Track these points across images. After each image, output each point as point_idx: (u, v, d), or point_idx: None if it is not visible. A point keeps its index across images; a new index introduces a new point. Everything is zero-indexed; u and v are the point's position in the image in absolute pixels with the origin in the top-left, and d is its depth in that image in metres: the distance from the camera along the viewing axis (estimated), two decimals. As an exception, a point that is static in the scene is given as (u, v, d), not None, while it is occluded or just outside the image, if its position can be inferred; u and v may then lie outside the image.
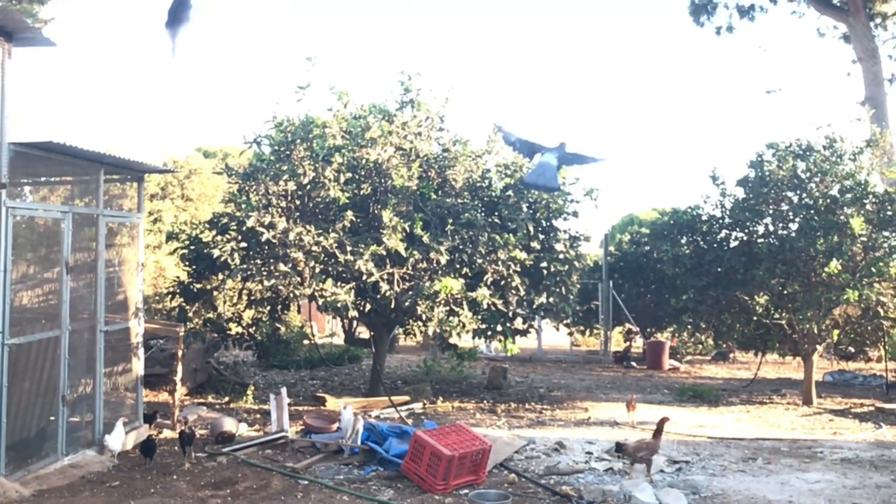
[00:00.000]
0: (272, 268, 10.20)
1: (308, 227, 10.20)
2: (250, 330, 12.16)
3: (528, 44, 78.46)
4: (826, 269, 11.57)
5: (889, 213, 12.23)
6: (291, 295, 10.44)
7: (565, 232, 12.09)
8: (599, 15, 75.30)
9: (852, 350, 17.71)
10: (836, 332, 12.63)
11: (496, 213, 11.33)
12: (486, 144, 12.14)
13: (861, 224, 11.72)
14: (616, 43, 76.75)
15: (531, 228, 11.25)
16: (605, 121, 72.90)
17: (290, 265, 10.10)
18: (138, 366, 9.15)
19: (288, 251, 10.09)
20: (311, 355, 15.67)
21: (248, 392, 11.68)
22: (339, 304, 9.98)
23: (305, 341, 16.27)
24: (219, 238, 10.75)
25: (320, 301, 10.17)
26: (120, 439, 7.99)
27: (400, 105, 11.92)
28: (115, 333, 8.71)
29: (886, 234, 12.33)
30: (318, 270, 10.23)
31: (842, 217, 12.12)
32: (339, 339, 19.84)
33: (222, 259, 10.24)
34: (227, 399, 11.60)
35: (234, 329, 12.30)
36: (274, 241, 10.12)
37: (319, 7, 77.81)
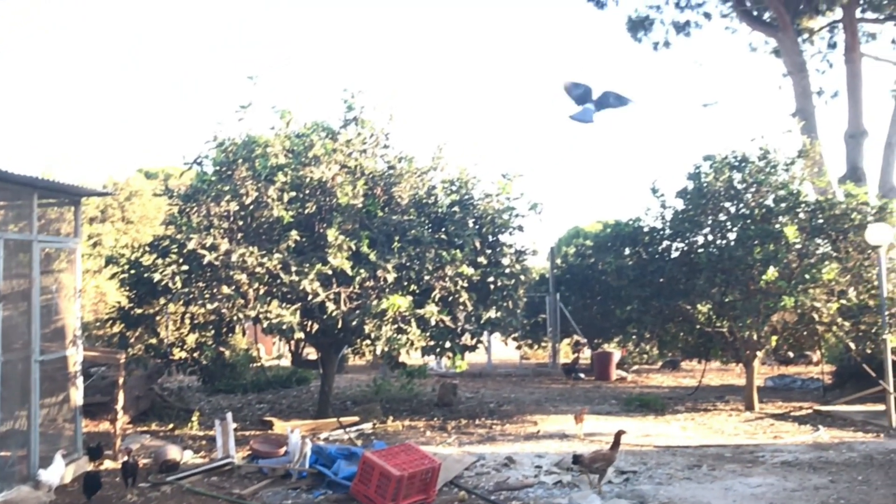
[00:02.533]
0: (215, 290, 10.04)
1: (251, 247, 10.07)
2: (194, 354, 11.90)
3: (466, 57, 79.14)
4: (763, 276, 11.90)
5: (820, 220, 12.67)
6: (235, 318, 10.28)
7: (511, 246, 12.16)
8: (539, 31, 76.51)
9: (791, 355, 18.23)
10: (774, 338, 12.98)
11: (443, 230, 11.36)
12: (431, 161, 12.18)
13: (794, 232, 12.10)
14: (557, 58, 77.97)
15: (478, 244, 11.29)
16: (551, 132, 73.89)
17: (233, 287, 9.95)
18: (77, 395, 8.87)
19: (231, 273, 9.94)
20: (258, 378, 15.43)
21: (193, 418, 11.42)
22: (284, 326, 9.87)
23: (252, 364, 16.02)
24: (159, 261, 10.53)
25: (265, 323, 10.03)
26: (58, 473, 7.72)
27: (344, 122, 11.89)
28: (51, 363, 8.44)
29: (818, 241, 12.76)
30: (262, 292, 10.11)
31: (776, 226, 12.50)
32: (287, 361, 19.58)
33: (163, 283, 10.05)
34: (171, 426, 11.33)
35: (178, 354, 12.03)
36: (216, 263, 9.96)
37: (262, 24, 77.30)
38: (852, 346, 12.53)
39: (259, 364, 16.25)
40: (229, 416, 9.19)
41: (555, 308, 19.39)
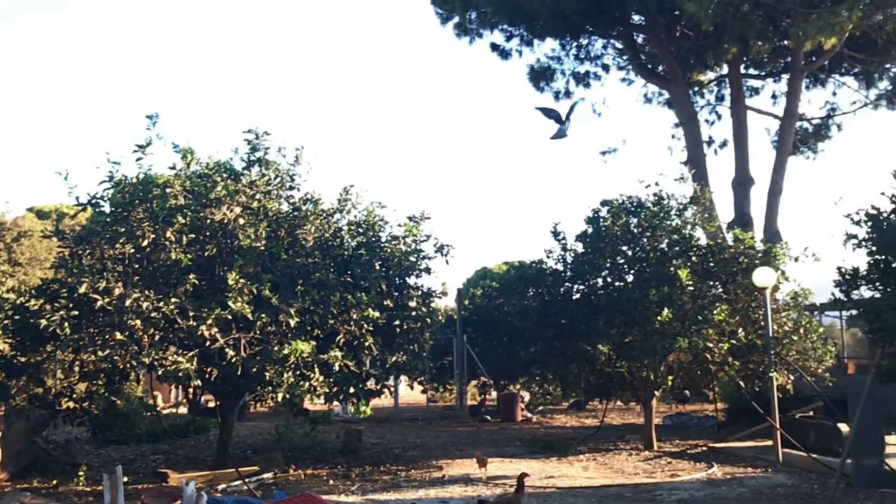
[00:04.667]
0: (107, 337, 9.58)
1: (147, 291, 9.69)
2: (84, 404, 11.25)
3: (379, 105, 79.97)
4: (659, 317, 12.33)
5: (711, 264, 13.30)
6: (129, 365, 9.84)
7: (418, 289, 12.16)
8: (450, 79, 78.24)
9: (688, 393, 18.88)
10: (670, 377, 13.43)
11: (348, 272, 11.25)
12: (337, 203, 12.12)
13: (687, 275, 12.63)
14: (469, 109, 79.87)
15: (384, 286, 11.25)
16: (463, 178, 75.22)
17: (126, 333, 9.52)
18: (-53, 453, 8.22)
19: (125, 318, 9.51)
20: (154, 428, 14.70)
21: (80, 473, 10.75)
22: (180, 374, 9.48)
23: (147, 413, 15.28)
24: (47, 307, 9.99)
25: (160, 371, 9.62)
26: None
27: (247, 163, 11.70)
28: (-81, 417, 7.81)
29: (710, 283, 13.36)
30: (157, 338, 9.70)
31: (671, 269, 13.01)
32: (186, 409, 18.80)
33: (50, 329, 9.52)
34: (55, 482, 10.61)
35: (66, 404, 11.35)
36: (109, 308, 9.53)
37: (163, 63, 75.99)
38: (742, 384, 13.09)
39: (155, 413, 15.52)
40: (119, 469, 8.69)
41: (462, 350, 19.45)
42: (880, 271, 7.92)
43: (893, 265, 7.80)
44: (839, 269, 8.31)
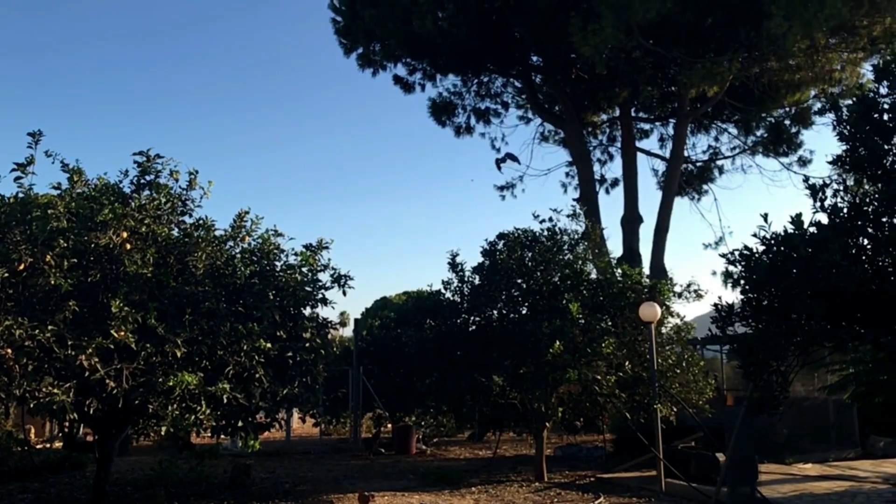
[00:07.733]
0: (-28, 367, 8.93)
1: (21, 318, 9.12)
2: (-58, 441, 10.44)
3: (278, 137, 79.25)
4: (551, 349, 12.61)
5: (601, 298, 13.74)
6: (-4, 398, 9.18)
7: (313, 319, 11.96)
8: (353, 107, 78.41)
9: (578, 425, 19.33)
10: (560, 409, 13.72)
11: (240, 302, 10.96)
12: (231, 229, 11.83)
13: (578, 308, 12.99)
14: (372, 139, 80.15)
15: (277, 317, 11.01)
16: (366, 207, 75.20)
17: (-6, 363, 8.91)
18: None
19: (-6, 347, 8.90)
20: (23, 464, 13.76)
21: (-63, 514, 9.94)
22: (55, 406, 8.94)
23: (17, 448, 14.28)
24: None
25: (32, 403, 9.04)
26: None
27: (137, 186, 11.28)
28: None
29: (599, 316, 13.80)
30: (31, 368, 9.13)
31: (563, 302, 13.36)
32: (62, 444, 17.69)
33: None
34: None
35: (-79, 441, 10.50)
36: (-24, 336, 8.90)
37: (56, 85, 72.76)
38: (628, 415, 13.52)
39: (26, 448, 14.52)
40: (-19, 510, 8.10)
41: (357, 382, 19.24)
42: (752, 308, 8.43)
43: (763, 303, 8.32)
44: (715, 305, 8.79)
